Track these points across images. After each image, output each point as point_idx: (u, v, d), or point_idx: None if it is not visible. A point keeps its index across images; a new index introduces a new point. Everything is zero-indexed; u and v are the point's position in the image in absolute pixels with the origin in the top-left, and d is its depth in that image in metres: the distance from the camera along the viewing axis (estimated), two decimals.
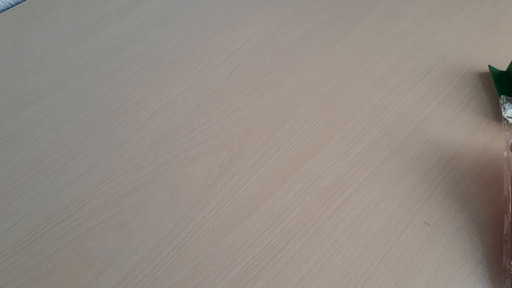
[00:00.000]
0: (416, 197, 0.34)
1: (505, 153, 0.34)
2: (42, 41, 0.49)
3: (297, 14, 0.52)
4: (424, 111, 0.41)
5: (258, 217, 0.34)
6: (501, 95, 0.37)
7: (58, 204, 0.35)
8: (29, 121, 0.41)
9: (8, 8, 0.54)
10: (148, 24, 0.51)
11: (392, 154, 0.36)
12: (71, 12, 0.52)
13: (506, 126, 0.34)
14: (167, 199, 0.35)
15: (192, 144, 0.39)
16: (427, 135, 0.39)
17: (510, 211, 0.31)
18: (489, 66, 0.44)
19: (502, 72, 0.44)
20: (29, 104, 0.42)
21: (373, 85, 0.44)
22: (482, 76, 0.44)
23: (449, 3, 0.53)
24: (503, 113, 0.35)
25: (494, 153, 0.38)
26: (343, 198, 0.35)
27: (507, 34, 0.49)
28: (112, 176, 0.37)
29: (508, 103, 0.36)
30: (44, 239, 0.33)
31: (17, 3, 0.54)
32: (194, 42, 0.48)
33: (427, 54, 0.47)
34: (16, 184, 0.36)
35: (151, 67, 0.46)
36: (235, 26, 0.50)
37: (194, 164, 0.37)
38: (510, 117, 0.35)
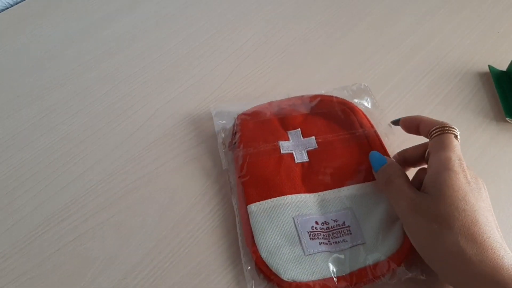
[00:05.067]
0: None
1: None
2: (42, 41, 0.49)
3: (297, 14, 0.52)
4: (424, 111, 0.41)
5: None
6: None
7: (58, 204, 0.35)
8: (29, 121, 0.41)
9: (8, 8, 0.54)
10: (148, 24, 0.51)
11: (392, 154, 0.36)
12: (71, 12, 0.52)
13: None
14: (166, 199, 0.35)
15: (192, 144, 0.39)
16: None
17: None
18: (489, 66, 0.44)
19: (502, 72, 0.44)
20: (29, 104, 0.42)
21: (373, 85, 0.44)
22: (482, 76, 0.44)
23: (449, 3, 0.53)
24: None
25: (494, 153, 0.38)
26: None
27: (507, 34, 0.49)
28: (112, 176, 0.37)
29: None
30: (44, 239, 0.33)
31: (17, 3, 0.54)
32: (194, 42, 0.48)
33: (427, 54, 0.47)
34: (16, 184, 0.36)
35: (151, 67, 0.46)
36: (235, 26, 0.50)
37: (194, 164, 0.37)
38: None
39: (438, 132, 0.29)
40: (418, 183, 0.30)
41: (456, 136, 0.29)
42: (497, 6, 0.52)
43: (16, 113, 0.42)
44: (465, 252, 0.24)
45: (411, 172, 0.33)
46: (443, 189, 0.26)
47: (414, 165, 0.34)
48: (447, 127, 0.29)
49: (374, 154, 0.33)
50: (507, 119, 0.40)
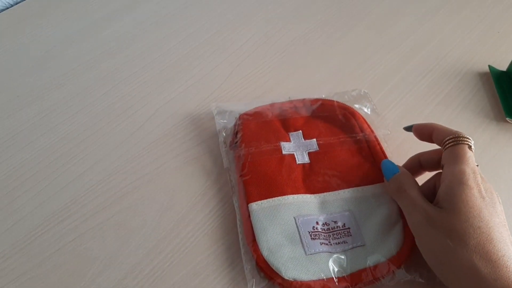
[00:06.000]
0: None
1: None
2: (41, 41, 0.49)
3: (297, 14, 0.52)
4: (424, 111, 0.41)
5: None
6: None
7: (58, 204, 0.35)
8: (28, 121, 0.41)
9: (8, 8, 0.54)
10: (148, 24, 0.51)
11: (392, 155, 0.36)
12: (71, 12, 0.52)
13: None
14: (166, 199, 0.35)
15: (192, 144, 0.39)
16: None
17: None
18: (489, 66, 0.44)
19: (502, 72, 0.44)
20: (29, 104, 0.42)
21: (373, 85, 0.44)
22: (482, 76, 0.44)
23: (449, 3, 0.53)
24: None
25: (494, 153, 0.38)
26: None
27: (507, 34, 0.49)
28: (112, 176, 0.36)
29: None
30: (44, 239, 0.33)
31: (17, 3, 0.54)
32: (194, 42, 0.48)
33: (427, 54, 0.47)
34: (16, 184, 0.36)
35: (151, 67, 0.46)
36: (235, 25, 0.50)
37: (194, 164, 0.37)
38: None
39: (451, 143, 0.29)
40: (432, 188, 0.30)
41: (470, 147, 0.29)
42: (497, 6, 0.52)
43: (16, 113, 0.42)
44: (480, 270, 0.24)
45: (424, 177, 0.33)
46: (458, 205, 0.26)
47: (429, 170, 0.33)
48: (460, 137, 0.29)
49: (386, 163, 0.32)
50: (507, 119, 0.40)
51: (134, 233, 0.33)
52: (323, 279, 0.29)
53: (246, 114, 0.38)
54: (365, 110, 0.40)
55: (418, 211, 0.28)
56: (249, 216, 0.32)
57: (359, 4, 0.53)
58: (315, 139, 0.37)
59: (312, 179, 0.34)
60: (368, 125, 0.38)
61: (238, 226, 0.32)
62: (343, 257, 0.30)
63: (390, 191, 0.31)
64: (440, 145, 0.31)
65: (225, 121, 0.38)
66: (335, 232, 0.31)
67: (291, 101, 0.39)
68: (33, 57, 0.47)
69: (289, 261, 0.29)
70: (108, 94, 0.43)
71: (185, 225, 0.33)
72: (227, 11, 0.52)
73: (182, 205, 0.35)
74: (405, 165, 0.34)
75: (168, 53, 0.47)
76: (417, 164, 0.33)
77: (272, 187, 0.33)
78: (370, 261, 0.29)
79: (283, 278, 0.29)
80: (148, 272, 0.31)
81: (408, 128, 0.35)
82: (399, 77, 0.45)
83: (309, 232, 0.31)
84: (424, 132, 0.32)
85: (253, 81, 0.44)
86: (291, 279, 0.28)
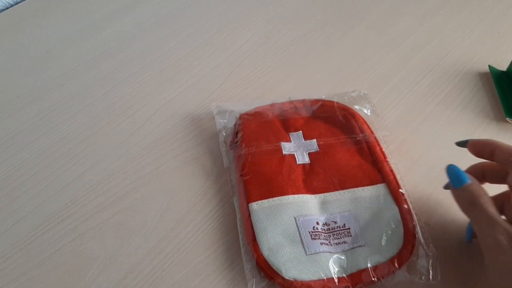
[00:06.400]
0: (416, 197, 0.34)
1: None
2: (41, 41, 0.49)
3: (297, 14, 0.52)
4: (424, 111, 0.41)
5: None
6: None
7: (58, 204, 0.35)
8: (28, 121, 0.41)
9: (8, 8, 0.54)
10: (148, 24, 0.51)
11: (391, 154, 0.36)
12: (71, 12, 0.52)
13: None
14: (166, 199, 0.35)
15: (192, 144, 0.39)
16: (427, 135, 0.39)
17: None
18: (489, 66, 0.44)
19: (502, 72, 0.44)
20: (29, 104, 0.42)
21: (373, 85, 0.44)
22: (482, 76, 0.44)
23: (449, 3, 0.53)
24: None
25: None
26: None
27: (507, 34, 0.49)
28: (112, 176, 0.37)
29: None
30: (44, 239, 0.33)
31: (17, 3, 0.54)
32: (194, 42, 0.48)
33: (427, 54, 0.47)
34: (16, 184, 0.36)
35: (151, 67, 0.46)
36: (235, 25, 0.50)
37: (194, 164, 0.37)
38: None
39: None
40: (499, 207, 0.28)
41: None
42: (497, 6, 0.52)
43: (16, 113, 0.42)
44: None
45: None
46: None
47: (492, 182, 0.31)
48: None
49: (454, 169, 0.29)
50: (507, 119, 0.40)
51: (134, 233, 0.33)
52: (323, 279, 0.29)
53: (246, 114, 0.38)
54: (365, 111, 0.40)
55: (498, 230, 0.25)
56: (249, 216, 0.32)
57: (359, 4, 0.53)
58: (315, 140, 0.37)
59: (312, 179, 0.34)
60: (368, 126, 0.38)
61: (238, 226, 0.32)
62: (343, 257, 0.30)
63: (459, 202, 0.29)
64: (504, 165, 0.29)
65: (225, 121, 0.38)
66: (335, 232, 0.31)
67: (291, 102, 0.39)
68: (33, 57, 0.47)
69: (289, 261, 0.29)
70: (108, 94, 0.43)
71: (185, 225, 0.33)
72: (227, 11, 0.52)
73: (182, 205, 0.35)
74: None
75: (168, 53, 0.47)
76: (480, 175, 0.31)
77: (272, 187, 0.33)
78: (370, 262, 0.29)
79: (283, 278, 0.29)
80: (148, 272, 0.31)
81: (461, 144, 0.32)
82: (399, 77, 0.45)
83: (310, 232, 0.31)
84: (483, 150, 0.30)
85: (253, 81, 0.44)
86: (291, 279, 0.28)
